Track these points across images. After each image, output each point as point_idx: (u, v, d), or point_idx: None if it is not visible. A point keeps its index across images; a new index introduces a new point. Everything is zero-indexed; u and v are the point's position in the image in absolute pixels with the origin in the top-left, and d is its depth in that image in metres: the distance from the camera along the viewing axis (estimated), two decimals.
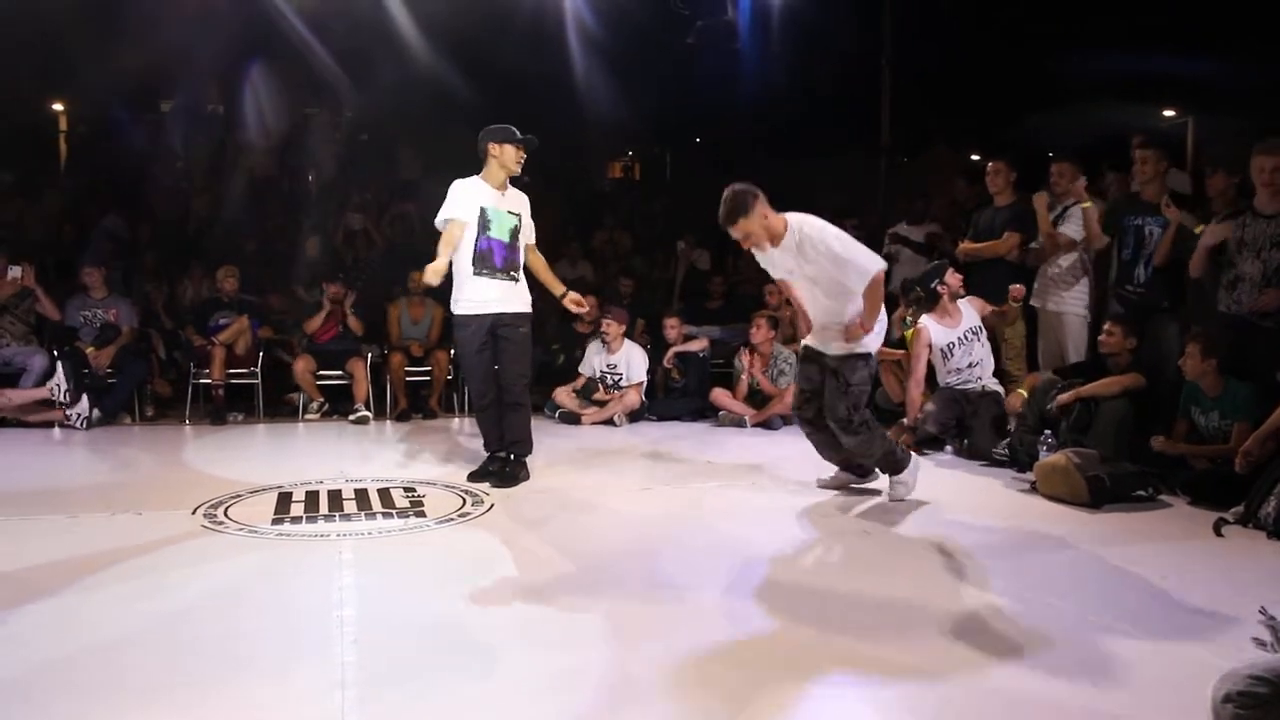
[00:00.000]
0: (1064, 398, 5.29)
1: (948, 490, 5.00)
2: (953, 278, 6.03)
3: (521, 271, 5.05)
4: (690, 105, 13.43)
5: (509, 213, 4.99)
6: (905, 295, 6.49)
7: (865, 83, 11.46)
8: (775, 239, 4.30)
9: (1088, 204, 6.04)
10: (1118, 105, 10.44)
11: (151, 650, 2.74)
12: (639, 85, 12.27)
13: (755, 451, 6.14)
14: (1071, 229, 6.08)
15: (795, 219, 4.30)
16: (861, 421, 4.50)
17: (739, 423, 7.10)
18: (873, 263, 4.31)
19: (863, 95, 11.50)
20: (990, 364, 6.04)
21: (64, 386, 6.64)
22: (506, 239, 4.94)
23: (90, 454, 6.06)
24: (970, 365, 5.97)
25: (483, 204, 4.90)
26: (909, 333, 6.65)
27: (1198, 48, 9.75)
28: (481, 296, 4.91)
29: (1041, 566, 3.63)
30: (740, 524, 4.28)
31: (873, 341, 4.55)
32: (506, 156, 4.97)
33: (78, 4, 9.58)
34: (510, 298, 4.96)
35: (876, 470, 4.80)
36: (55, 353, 7.18)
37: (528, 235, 5.12)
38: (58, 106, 14.26)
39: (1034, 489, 4.83)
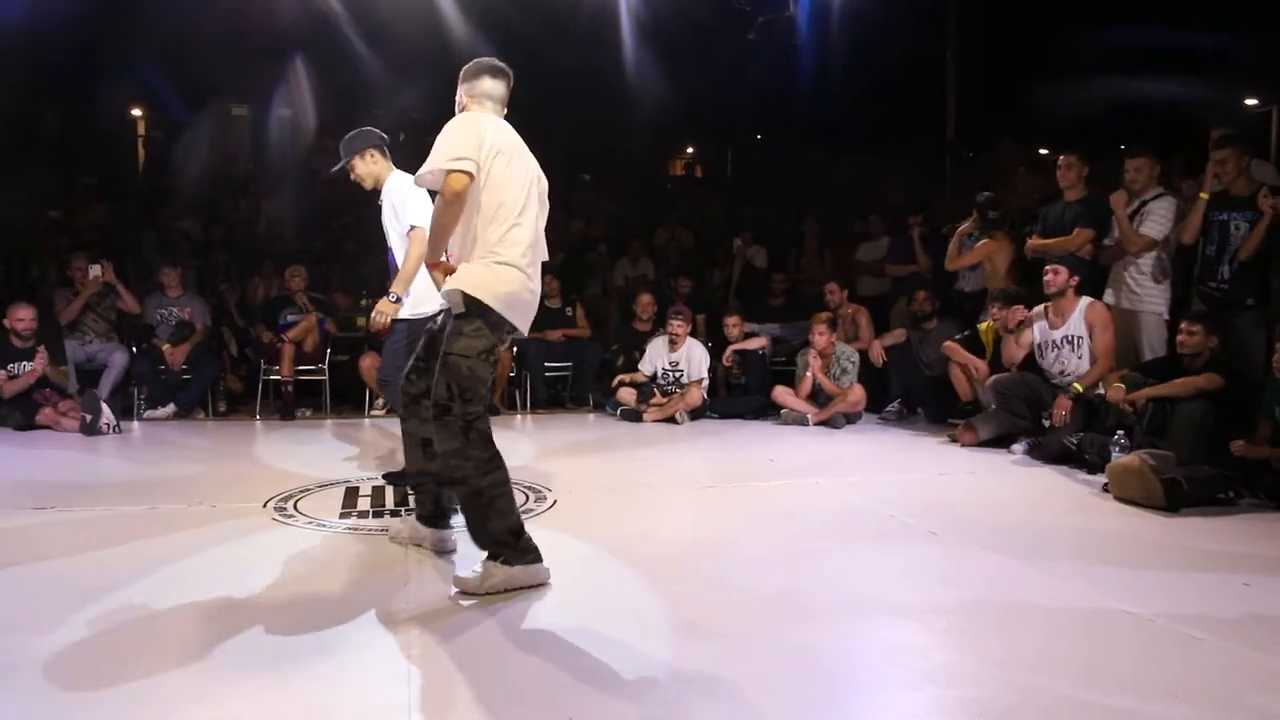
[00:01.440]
0: (1132, 395, 5.14)
1: (1016, 490, 4.90)
2: (1058, 275, 5.84)
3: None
4: (751, 102, 13.38)
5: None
6: (978, 210, 6.38)
7: (929, 77, 11.29)
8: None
9: (1185, 197, 5.84)
10: (1197, 94, 10.11)
11: (221, 636, 2.81)
12: (699, 83, 12.25)
13: (818, 450, 6.09)
14: (1152, 228, 5.89)
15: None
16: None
17: (801, 421, 7.04)
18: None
19: (926, 90, 11.33)
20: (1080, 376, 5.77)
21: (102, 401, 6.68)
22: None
23: (167, 448, 6.24)
24: (1061, 373, 5.82)
25: None
26: (984, 326, 6.54)
27: None
28: None
29: (1116, 571, 3.53)
30: (803, 523, 4.24)
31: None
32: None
33: (154, 16, 9.90)
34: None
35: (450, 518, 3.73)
36: (134, 349, 7.43)
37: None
38: (136, 112, 14.73)
39: (1105, 491, 4.70)
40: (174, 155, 13.05)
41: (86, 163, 11.23)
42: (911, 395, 7.46)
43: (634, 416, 7.32)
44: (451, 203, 3.14)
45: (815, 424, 6.99)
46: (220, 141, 13.37)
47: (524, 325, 3.36)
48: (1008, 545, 3.81)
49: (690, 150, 18.07)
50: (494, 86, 3.43)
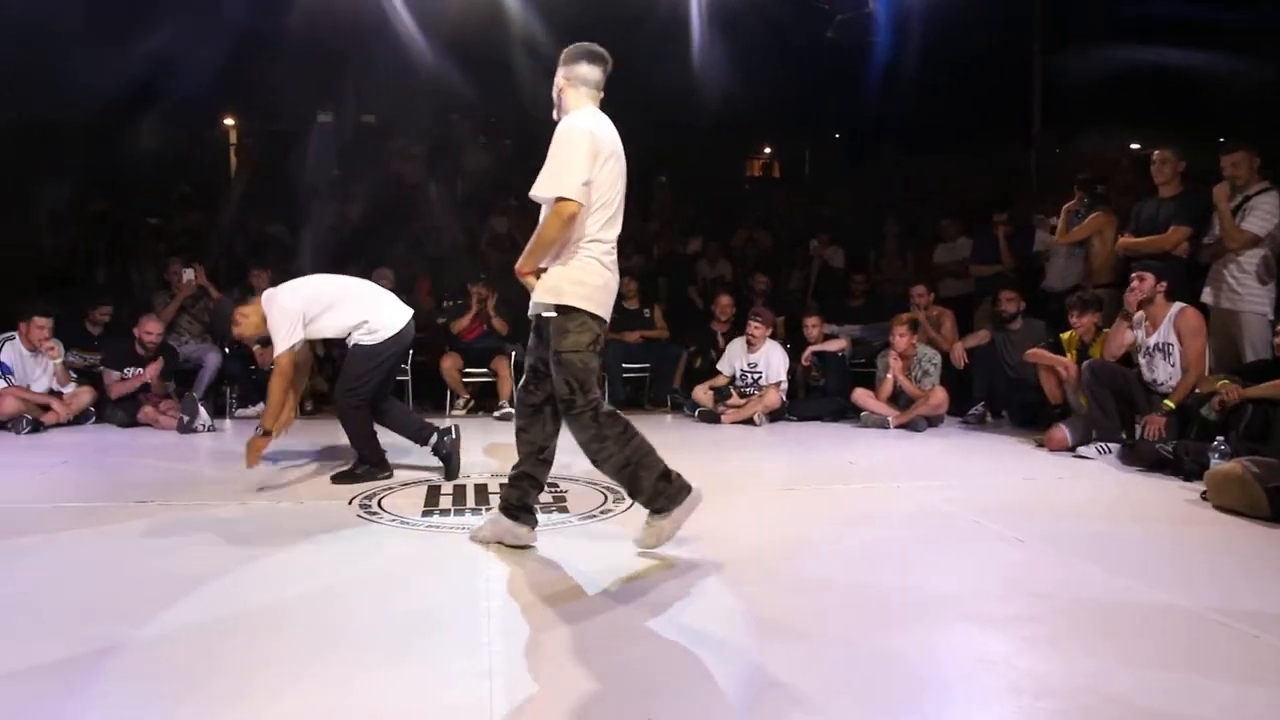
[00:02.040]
0: (1227, 398, 4.93)
1: (1107, 496, 4.75)
2: (1143, 283, 5.67)
3: None
4: (828, 100, 13.22)
5: None
6: (1081, 186, 6.29)
7: (1014, 70, 11.01)
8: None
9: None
10: None
11: (306, 629, 2.89)
12: (776, 82, 12.17)
13: (899, 453, 5.99)
14: (1254, 223, 5.65)
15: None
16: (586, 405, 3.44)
17: (882, 424, 6.94)
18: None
19: (1011, 84, 11.06)
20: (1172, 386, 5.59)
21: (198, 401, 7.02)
22: None
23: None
24: (1154, 381, 5.63)
25: None
26: (1066, 335, 6.38)
27: None
28: None
29: (1215, 583, 3.38)
30: (884, 526, 4.17)
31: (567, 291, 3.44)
32: None
33: (244, 27, 10.25)
34: None
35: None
36: (226, 350, 7.70)
37: None
38: (229, 121, 15.23)
39: (1204, 499, 4.51)
40: (263, 162, 13.50)
41: (182, 171, 11.67)
42: (995, 398, 7.29)
43: (711, 418, 7.31)
44: (564, 225, 3.33)
45: (896, 427, 6.88)
46: (306, 148, 13.76)
47: (607, 315, 3.54)
48: (1098, 553, 3.69)
49: (768, 150, 17.94)
50: (590, 71, 3.54)
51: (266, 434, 4.86)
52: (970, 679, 2.56)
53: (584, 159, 3.32)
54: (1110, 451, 5.60)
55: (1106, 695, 2.41)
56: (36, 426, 6.66)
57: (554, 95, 3.58)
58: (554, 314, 3.41)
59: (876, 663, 2.65)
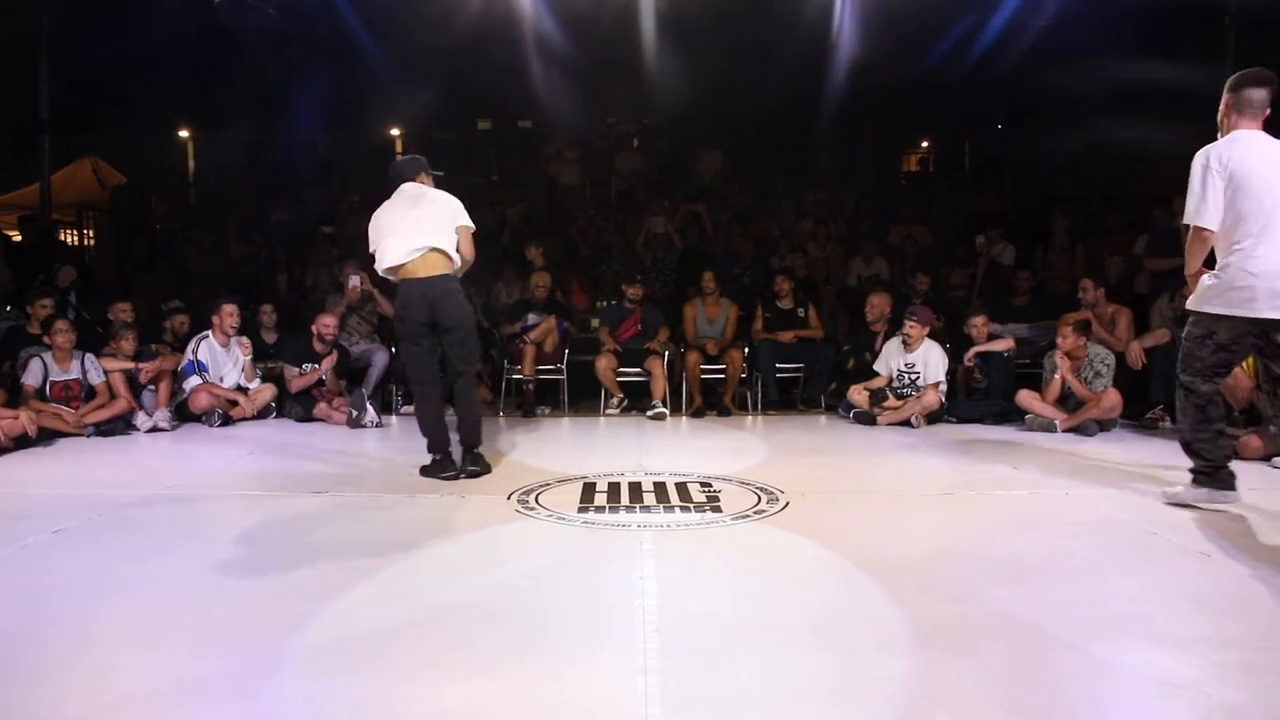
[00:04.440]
0: None
1: None
2: None
3: None
4: (988, 89, 12.68)
5: None
6: None
7: (1196, 48, 10.23)
8: None
9: None
10: None
11: (468, 621, 2.99)
12: (929, 73, 11.77)
13: (1066, 458, 5.68)
14: None
15: None
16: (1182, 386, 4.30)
17: (1048, 427, 6.60)
18: None
19: (1194, 61, 10.27)
20: None
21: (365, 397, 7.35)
22: None
23: (420, 441, 6.69)
24: None
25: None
26: None
27: None
28: None
29: None
30: (1052, 536, 3.96)
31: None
32: None
33: (409, 39, 10.76)
34: None
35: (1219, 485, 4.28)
36: (393, 350, 8.08)
37: None
38: (394, 131, 15.97)
39: None
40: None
41: (352, 180, 12.32)
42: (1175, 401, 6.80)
43: (867, 419, 7.14)
44: (1205, 242, 4.07)
45: (1064, 430, 6.53)
46: (466, 154, 14.29)
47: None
48: None
49: (925, 144, 17.36)
50: (1254, 94, 4.03)
51: None
52: (1154, 706, 2.40)
53: (1198, 190, 4.03)
54: None
55: None
56: (226, 420, 7.19)
57: (1218, 119, 4.17)
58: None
59: (1047, 681, 2.52)
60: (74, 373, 6.82)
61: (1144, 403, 6.90)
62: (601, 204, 12.37)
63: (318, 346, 7.59)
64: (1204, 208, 4.01)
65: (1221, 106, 4.18)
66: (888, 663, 2.63)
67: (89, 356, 6.92)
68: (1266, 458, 5.38)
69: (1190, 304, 4.22)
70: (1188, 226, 4.12)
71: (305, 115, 12.75)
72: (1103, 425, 6.56)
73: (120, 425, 6.78)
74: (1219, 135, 4.17)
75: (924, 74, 11.57)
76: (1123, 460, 5.71)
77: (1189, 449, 4.34)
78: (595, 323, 8.64)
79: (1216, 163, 4.00)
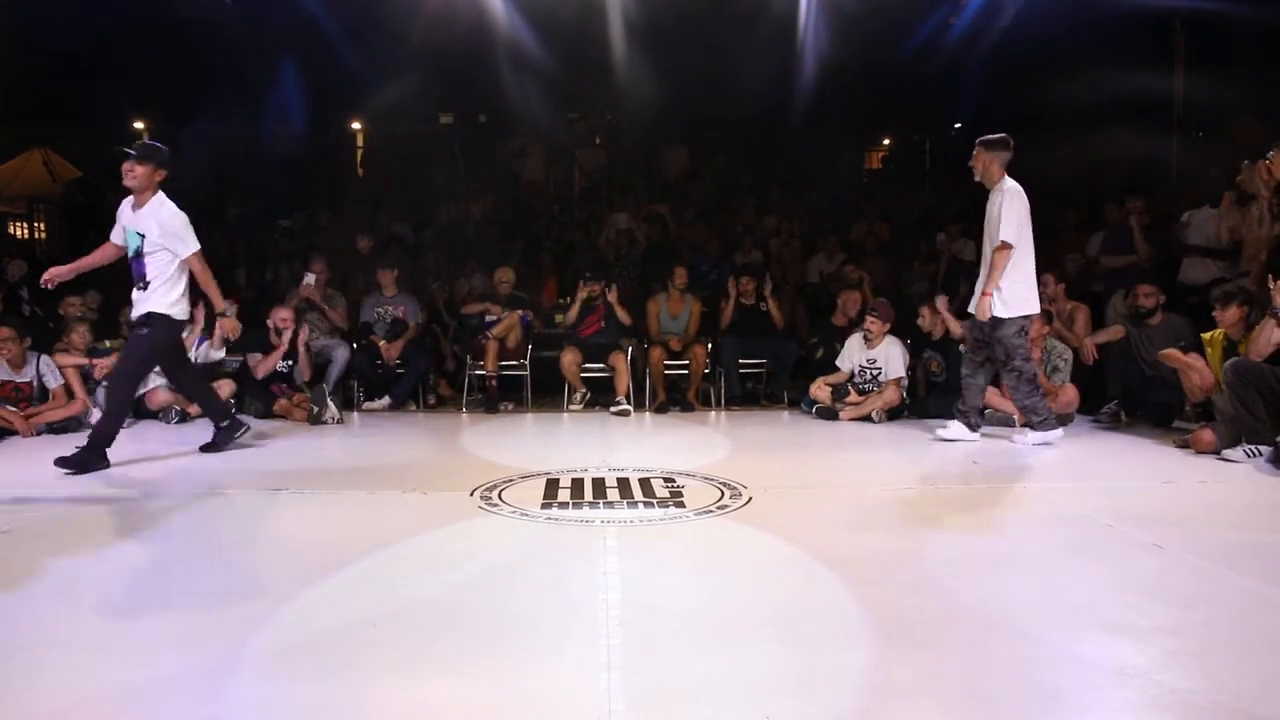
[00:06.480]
0: None
1: (1254, 501, 4.49)
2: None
3: (150, 280, 5.42)
4: (949, 89, 12.81)
5: (136, 232, 5.48)
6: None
7: (1152, 50, 10.41)
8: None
9: None
10: None
11: (433, 617, 2.98)
12: (892, 72, 11.88)
13: (1025, 453, 5.77)
14: None
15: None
16: None
17: (1007, 421, 6.69)
18: None
19: (1149, 65, 10.46)
20: None
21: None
22: (132, 254, 5.49)
23: (382, 438, 6.67)
24: None
25: (122, 222, 5.58)
26: (1208, 336, 6.03)
27: None
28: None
29: None
30: (1010, 530, 4.03)
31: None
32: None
33: (369, 34, 10.66)
34: (139, 302, 5.46)
35: None
36: (354, 345, 8.01)
37: (172, 245, 5.43)
38: (356, 125, 15.81)
39: None
40: (387, 164, 13.96)
41: (314, 174, 12.19)
42: (1130, 396, 6.93)
43: (829, 415, 7.19)
44: None
45: (1022, 425, 6.62)
46: (428, 149, 14.18)
47: None
48: (1244, 562, 3.47)
49: (886, 142, 17.51)
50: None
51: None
52: (1108, 693, 2.44)
53: None
54: (1261, 455, 5.26)
55: (1257, 718, 2.26)
56: (184, 417, 7.06)
57: None
58: None
59: (1006, 671, 2.56)
60: (27, 375, 6.68)
61: (1100, 398, 7.01)
62: (564, 200, 12.35)
63: (274, 340, 7.49)
64: None
65: None
66: (849, 655, 2.65)
67: (44, 359, 6.77)
68: (1217, 451, 5.49)
69: None
70: None
71: (265, 108, 12.57)
72: (1061, 420, 6.66)
73: (73, 423, 6.65)
74: None
75: (886, 73, 11.68)
76: (1080, 455, 5.81)
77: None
78: (560, 318, 8.62)
79: None
